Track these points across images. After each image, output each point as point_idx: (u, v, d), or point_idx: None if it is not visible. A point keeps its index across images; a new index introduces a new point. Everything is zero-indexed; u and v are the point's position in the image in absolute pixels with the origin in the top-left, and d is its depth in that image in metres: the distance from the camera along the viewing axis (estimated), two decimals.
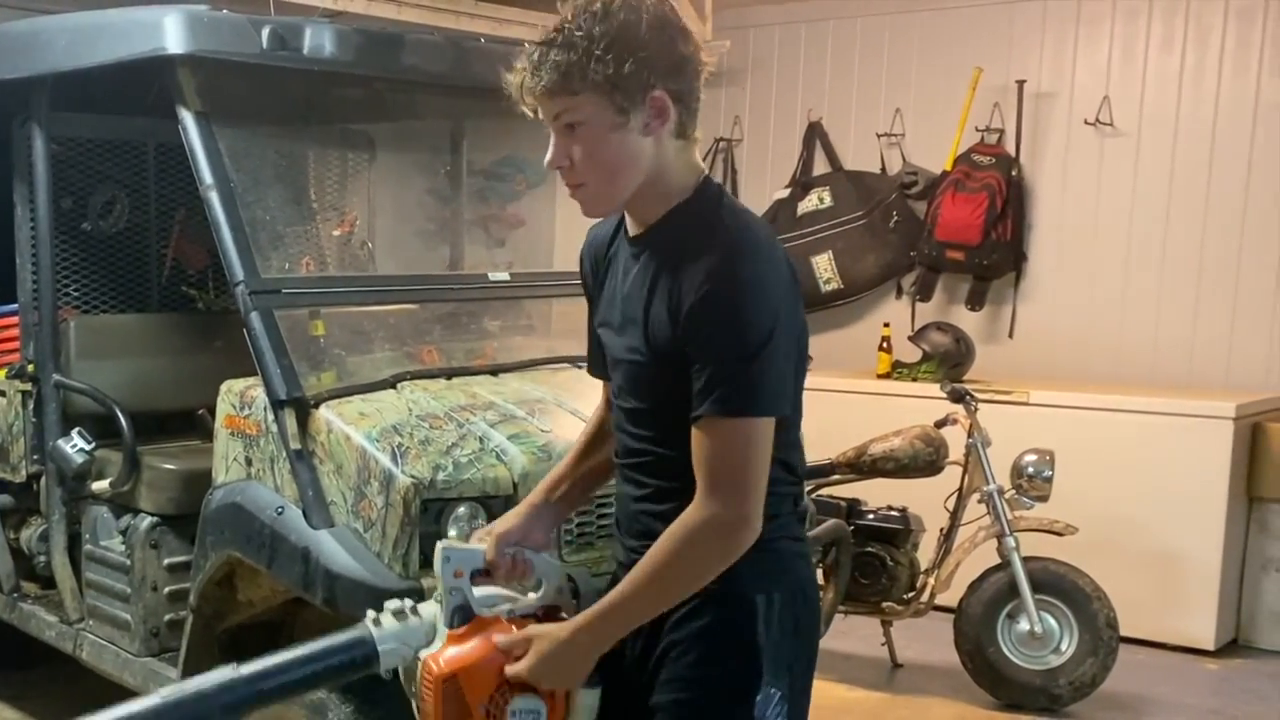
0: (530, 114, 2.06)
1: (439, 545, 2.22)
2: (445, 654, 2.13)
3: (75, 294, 4.55)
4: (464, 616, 2.17)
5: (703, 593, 2.04)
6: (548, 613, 2.21)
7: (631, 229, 2.14)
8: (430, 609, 2.21)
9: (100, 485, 3.94)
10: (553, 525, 2.38)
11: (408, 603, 2.23)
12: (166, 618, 3.85)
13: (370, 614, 2.21)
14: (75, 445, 3.92)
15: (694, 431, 1.99)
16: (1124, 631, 5.02)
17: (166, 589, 3.85)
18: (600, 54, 1.93)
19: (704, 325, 1.96)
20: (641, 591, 2.03)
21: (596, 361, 2.33)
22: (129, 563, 3.88)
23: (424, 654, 2.16)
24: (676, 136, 2.04)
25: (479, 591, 2.18)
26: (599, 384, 2.41)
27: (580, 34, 1.94)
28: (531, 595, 2.23)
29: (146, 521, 3.86)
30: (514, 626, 2.15)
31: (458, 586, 2.17)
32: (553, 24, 1.98)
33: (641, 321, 2.07)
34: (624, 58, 1.93)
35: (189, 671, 3.61)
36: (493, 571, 2.22)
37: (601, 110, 1.96)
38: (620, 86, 1.95)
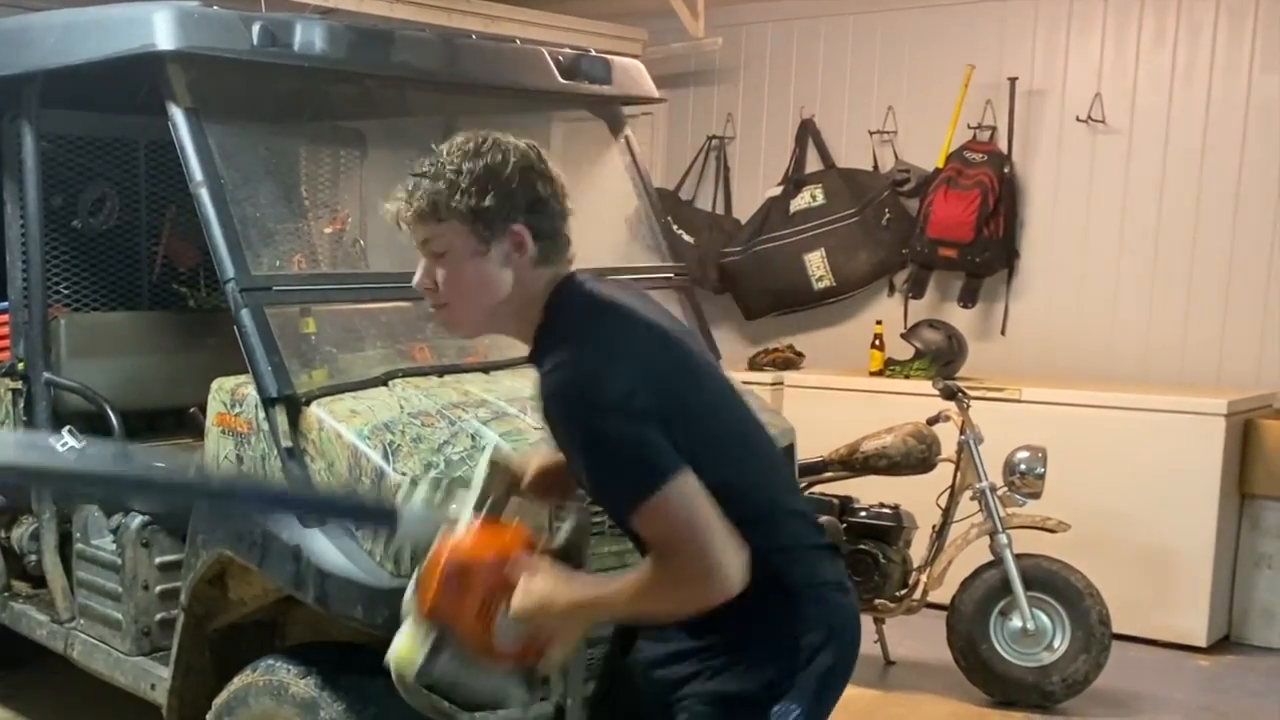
0: (412, 238, 2.21)
1: (491, 444, 2.38)
2: (464, 543, 2.21)
3: (66, 292, 4.54)
4: (491, 515, 2.26)
5: (742, 631, 2.15)
6: (555, 556, 2.28)
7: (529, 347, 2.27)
8: (463, 497, 2.31)
9: None
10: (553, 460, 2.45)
11: (445, 480, 2.37)
12: (158, 617, 3.84)
13: (408, 477, 2.41)
14: (66, 444, 3.91)
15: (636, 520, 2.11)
16: (1116, 628, 5.03)
17: (158, 588, 3.84)
18: (465, 187, 2.10)
19: (564, 435, 2.11)
20: (620, 604, 2.16)
21: None
22: (120, 562, 3.86)
23: (443, 531, 2.23)
24: (537, 266, 2.18)
25: (512, 501, 2.29)
26: None
27: (451, 168, 2.11)
28: (562, 529, 2.36)
29: (137, 520, 3.84)
30: (528, 547, 2.23)
31: (494, 489, 2.28)
32: (423, 160, 2.15)
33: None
34: (486, 192, 2.10)
35: (179, 671, 3.60)
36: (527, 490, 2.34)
37: (464, 238, 2.13)
38: (481, 218, 2.11)
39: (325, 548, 3.11)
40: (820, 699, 2.22)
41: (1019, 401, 5.96)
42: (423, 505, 2.31)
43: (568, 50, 4.14)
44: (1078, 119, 6.45)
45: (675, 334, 2.26)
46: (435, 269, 2.17)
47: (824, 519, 4.91)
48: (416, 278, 2.22)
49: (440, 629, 2.20)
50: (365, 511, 2.31)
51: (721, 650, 2.18)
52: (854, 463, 5.15)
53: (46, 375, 4.01)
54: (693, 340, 2.33)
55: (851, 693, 5.24)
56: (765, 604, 2.12)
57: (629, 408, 2.05)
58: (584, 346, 2.11)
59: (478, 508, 2.27)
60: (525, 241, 2.14)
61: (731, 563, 2.05)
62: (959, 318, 6.70)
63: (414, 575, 2.28)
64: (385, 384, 3.42)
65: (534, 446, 2.46)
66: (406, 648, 2.24)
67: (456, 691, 2.35)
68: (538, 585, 2.14)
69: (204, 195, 3.36)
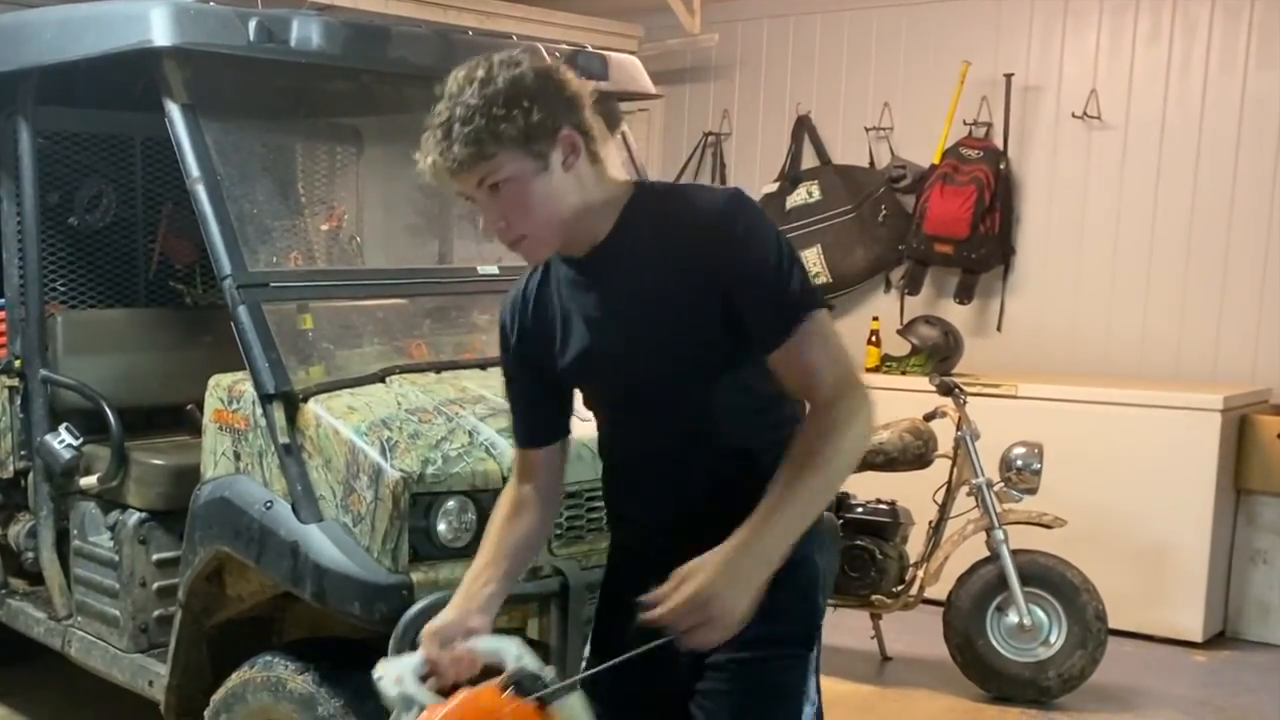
0: (455, 192, 2.11)
1: (375, 670, 2.13)
2: None
3: (62, 289, 4.53)
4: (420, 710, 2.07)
5: None
6: (519, 685, 2.03)
7: (577, 253, 2.16)
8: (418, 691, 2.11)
9: (88, 481, 3.93)
10: (492, 609, 2.25)
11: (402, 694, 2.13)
12: (155, 613, 3.84)
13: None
14: (63, 441, 3.91)
15: (781, 349, 2.03)
16: (1112, 624, 5.04)
17: (155, 585, 3.84)
18: (503, 113, 1.99)
19: (738, 260, 2.02)
20: (810, 488, 1.99)
21: (535, 427, 2.32)
22: (117, 558, 3.87)
23: None
24: (592, 163, 2.11)
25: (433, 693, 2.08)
26: None
27: (476, 103, 2.00)
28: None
29: (135, 517, 3.85)
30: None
31: (402, 692, 2.08)
32: (437, 109, 2.03)
33: (656, 309, 2.09)
34: (528, 109, 2.00)
35: (177, 668, 3.60)
36: (437, 672, 2.13)
37: (521, 163, 2.02)
38: (532, 135, 2.01)
39: (323, 544, 3.11)
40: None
41: (1015, 397, 5.97)
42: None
43: (564, 46, 4.14)
44: (1073, 115, 6.46)
45: None
46: (500, 205, 2.06)
47: (825, 514, 4.91)
48: (483, 224, 2.10)
49: None
50: None
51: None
52: None
53: (43, 372, 4.01)
54: None
55: (848, 688, 5.26)
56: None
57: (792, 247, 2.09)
58: (733, 196, 2.08)
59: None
60: (577, 142, 2.06)
61: None
62: (955, 314, 6.71)
63: None
64: (382, 380, 3.42)
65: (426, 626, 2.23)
66: None
67: None
68: (704, 573, 1.90)
69: (201, 192, 3.36)
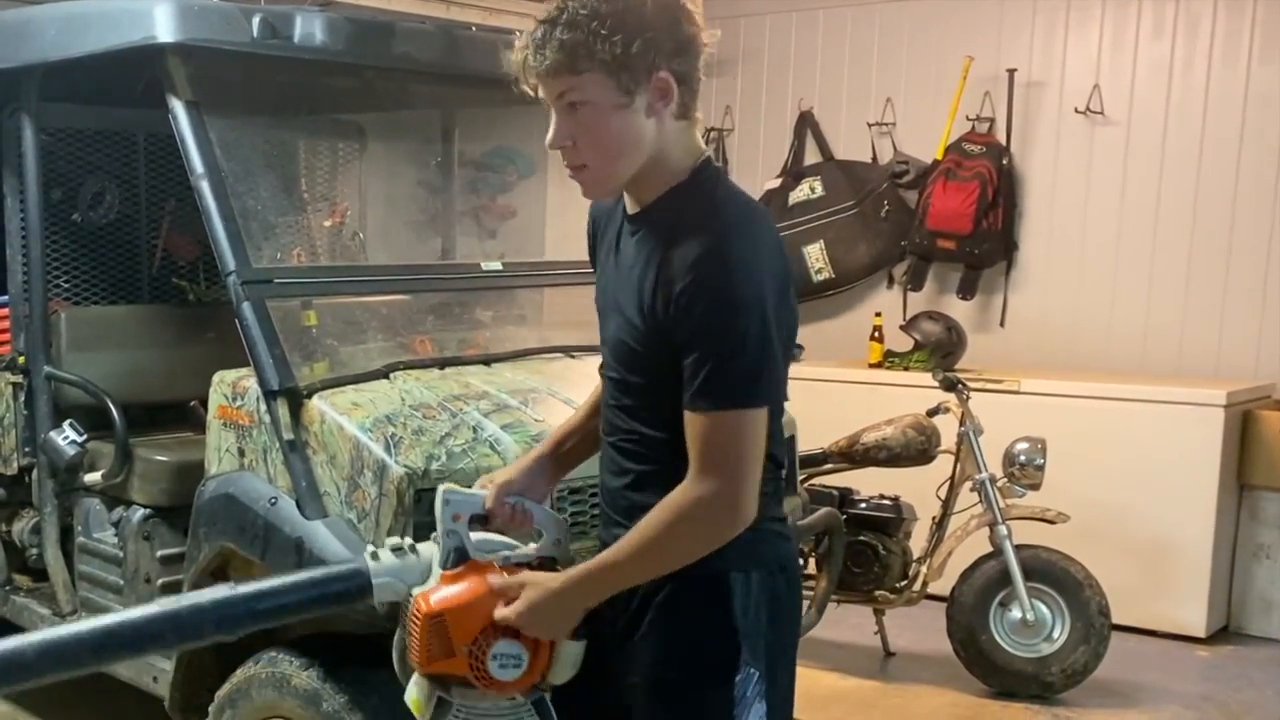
0: (530, 93, 2.04)
1: (440, 489, 2.25)
2: (436, 593, 2.17)
3: (66, 285, 4.54)
4: (459, 558, 2.21)
5: (681, 572, 2.05)
6: (543, 563, 2.24)
7: (630, 207, 2.13)
8: (428, 549, 2.25)
9: (92, 477, 3.93)
10: (556, 479, 2.40)
11: (407, 540, 2.28)
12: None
13: (370, 548, 2.26)
14: (67, 437, 3.91)
15: (686, 415, 2.00)
16: (1115, 619, 5.04)
17: (159, 581, 3.84)
18: (606, 33, 1.91)
19: (693, 311, 1.95)
20: (629, 559, 2.04)
21: None
22: (122, 555, 3.87)
23: (416, 591, 2.19)
24: (678, 118, 2.02)
25: (476, 537, 2.22)
26: (592, 373, 2.41)
27: (585, 13, 1.92)
28: (531, 545, 2.27)
29: (139, 513, 3.85)
30: (506, 573, 2.17)
31: (455, 530, 2.21)
32: (552, 6, 1.95)
33: (635, 300, 2.06)
34: (631, 37, 1.91)
35: (181, 664, 3.61)
36: (491, 519, 2.26)
37: (606, 90, 1.95)
38: (626, 66, 1.93)
39: (327, 539, 3.11)
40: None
41: (1018, 393, 5.97)
42: (390, 566, 2.23)
43: None
44: (1076, 110, 6.46)
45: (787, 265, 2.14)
46: (572, 125, 1.98)
47: (824, 510, 4.92)
48: (550, 135, 2.02)
49: (439, 681, 2.18)
50: (336, 586, 2.22)
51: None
52: (854, 454, 5.16)
53: (47, 369, 4.01)
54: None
55: (851, 683, 5.26)
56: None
57: (766, 317, 1.96)
58: (735, 237, 1.97)
59: (444, 555, 2.22)
60: (671, 89, 1.96)
61: (754, 502, 2.00)
62: (958, 309, 6.71)
63: (397, 636, 2.27)
64: (386, 376, 3.42)
65: (485, 475, 2.36)
66: (415, 702, 2.23)
67: None
68: (530, 593, 2.09)
69: (205, 188, 3.36)
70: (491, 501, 2.26)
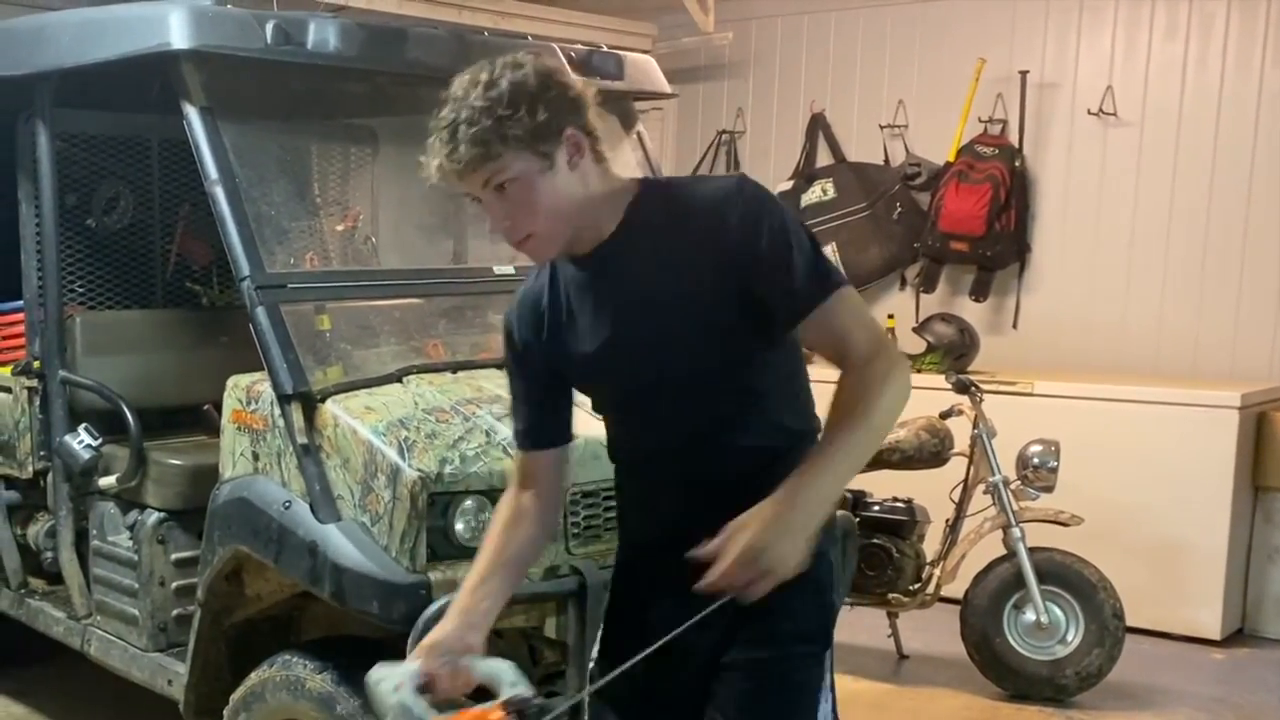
0: (461, 193, 2.13)
1: (369, 674, 2.14)
2: None
3: (80, 290, 4.55)
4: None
5: None
6: (512, 706, 2.08)
7: (582, 252, 2.16)
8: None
9: (107, 481, 3.94)
10: (486, 626, 2.25)
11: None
12: (174, 613, 3.86)
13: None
14: (82, 441, 3.93)
15: (815, 323, 2.07)
16: (1130, 621, 5.03)
17: (174, 584, 3.86)
18: (507, 114, 2.01)
19: (759, 231, 2.04)
20: (853, 442, 2.04)
21: (539, 429, 2.31)
22: (136, 558, 3.88)
23: None
24: (596, 162, 2.12)
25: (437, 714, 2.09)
26: None
27: (481, 104, 2.01)
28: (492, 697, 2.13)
29: (154, 517, 3.87)
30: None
31: (400, 700, 2.08)
32: (443, 112, 2.04)
33: (674, 291, 2.09)
34: (532, 110, 2.02)
35: (196, 667, 3.62)
36: (433, 685, 2.14)
37: (526, 162, 2.03)
38: (537, 136, 2.03)
39: (341, 543, 3.13)
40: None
41: (1031, 395, 5.96)
42: None
43: (580, 46, 4.15)
44: (1089, 112, 6.44)
45: None
46: (506, 205, 2.07)
47: (837, 513, 4.92)
48: (491, 224, 2.11)
49: None
50: None
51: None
52: None
53: (62, 373, 4.02)
54: None
55: (865, 686, 5.25)
56: None
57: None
58: (742, 177, 2.13)
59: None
60: (581, 141, 2.07)
61: None
62: (971, 311, 6.70)
63: None
64: (400, 380, 3.43)
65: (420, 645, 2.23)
66: None
67: None
68: (751, 529, 1.95)
69: (219, 193, 3.38)
70: (428, 665, 2.14)
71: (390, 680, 2.10)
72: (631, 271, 2.12)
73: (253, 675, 3.38)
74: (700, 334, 2.09)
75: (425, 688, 2.12)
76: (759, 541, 1.94)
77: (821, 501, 2.02)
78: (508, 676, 2.13)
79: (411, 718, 2.06)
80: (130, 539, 3.92)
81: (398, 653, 2.43)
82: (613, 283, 2.14)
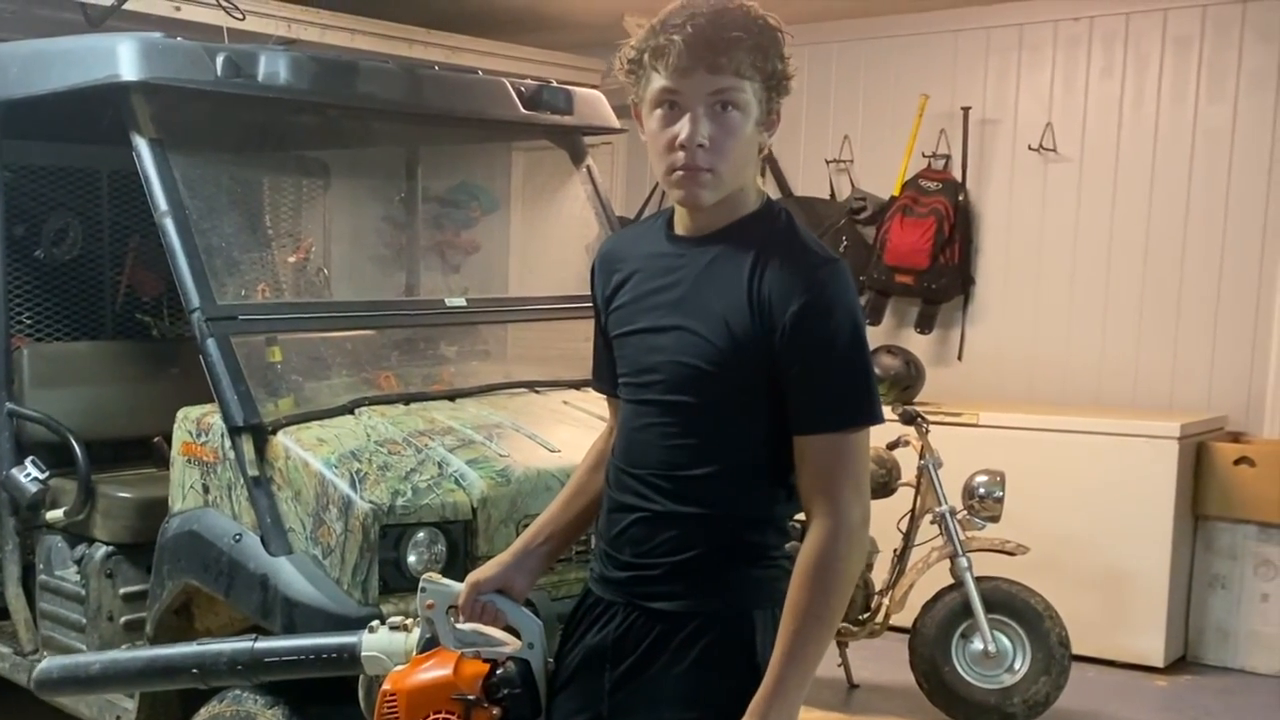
0: (661, 85, 1.96)
1: (422, 577, 2.29)
2: (400, 674, 2.26)
3: (28, 321, 4.53)
4: (427, 645, 2.27)
5: (703, 609, 2.04)
6: (513, 663, 2.20)
7: (685, 230, 2.08)
8: (416, 632, 2.35)
9: (55, 515, 3.91)
10: (536, 573, 2.30)
11: (410, 621, 2.39)
12: (123, 648, 3.82)
13: (375, 622, 2.43)
14: (29, 474, 3.89)
15: (808, 443, 1.97)
16: (1075, 649, 5.07)
17: (123, 619, 3.82)
18: (772, 51, 1.93)
19: (814, 328, 1.94)
20: (815, 632, 1.96)
21: (604, 375, 2.25)
22: (84, 593, 3.85)
23: (393, 669, 2.30)
24: (759, 153, 2.05)
25: (467, 626, 2.22)
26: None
27: (757, 25, 1.91)
28: (512, 643, 2.23)
29: (102, 551, 3.84)
30: (473, 665, 2.20)
31: (428, 618, 2.25)
32: (706, 6, 1.91)
33: (714, 321, 2.00)
34: (784, 64, 1.95)
35: (145, 703, 3.59)
36: (461, 615, 2.23)
37: (757, 105, 1.96)
38: (776, 89, 1.96)
39: (293, 576, 3.12)
40: None
41: (977, 426, 6.03)
42: (381, 642, 2.41)
43: (529, 81, 4.19)
44: (1029, 148, 6.56)
45: None
46: (714, 125, 1.92)
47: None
48: (687, 131, 1.93)
49: None
50: (331, 652, 2.48)
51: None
52: None
53: (9, 405, 3.99)
54: None
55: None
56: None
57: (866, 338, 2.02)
58: (841, 264, 2.01)
59: (419, 640, 2.31)
60: (779, 122, 2.00)
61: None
62: (916, 344, 6.77)
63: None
64: (351, 412, 3.44)
65: (475, 570, 2.32)
66: None
67: None
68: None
69: (169, 225, 3.37)
70: (463, 598, 2.22)
71: (428, 594, 2.25)
72: (711, 274, 2.02)
73: (203, 710, 3.35)
74: (717, 368, 2.00)
75: (458, 612, 2.25)
76: None
77: (797, 698, 1.95)
78: (526, 637, 2.23)
79: (429, 630, 2.26)
80: (78, 573, 3.89)
81: (348, 689, 2.47)
82: (693, 274, 2.04)
